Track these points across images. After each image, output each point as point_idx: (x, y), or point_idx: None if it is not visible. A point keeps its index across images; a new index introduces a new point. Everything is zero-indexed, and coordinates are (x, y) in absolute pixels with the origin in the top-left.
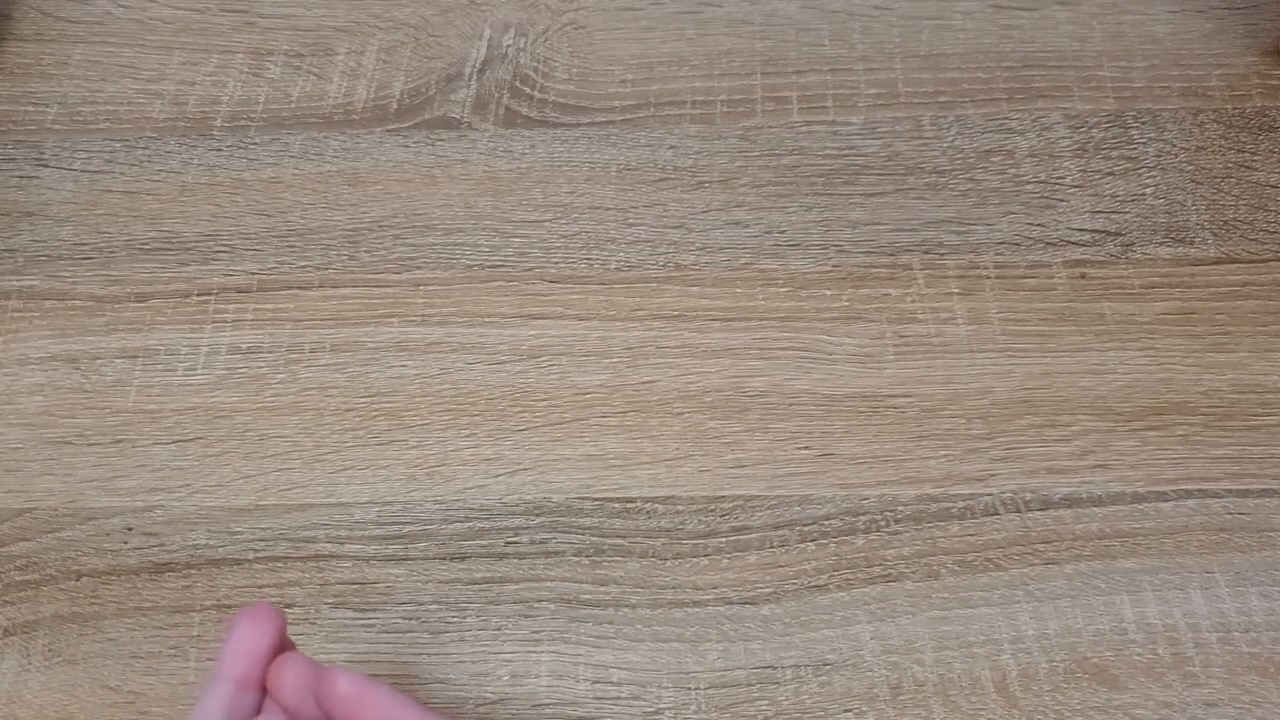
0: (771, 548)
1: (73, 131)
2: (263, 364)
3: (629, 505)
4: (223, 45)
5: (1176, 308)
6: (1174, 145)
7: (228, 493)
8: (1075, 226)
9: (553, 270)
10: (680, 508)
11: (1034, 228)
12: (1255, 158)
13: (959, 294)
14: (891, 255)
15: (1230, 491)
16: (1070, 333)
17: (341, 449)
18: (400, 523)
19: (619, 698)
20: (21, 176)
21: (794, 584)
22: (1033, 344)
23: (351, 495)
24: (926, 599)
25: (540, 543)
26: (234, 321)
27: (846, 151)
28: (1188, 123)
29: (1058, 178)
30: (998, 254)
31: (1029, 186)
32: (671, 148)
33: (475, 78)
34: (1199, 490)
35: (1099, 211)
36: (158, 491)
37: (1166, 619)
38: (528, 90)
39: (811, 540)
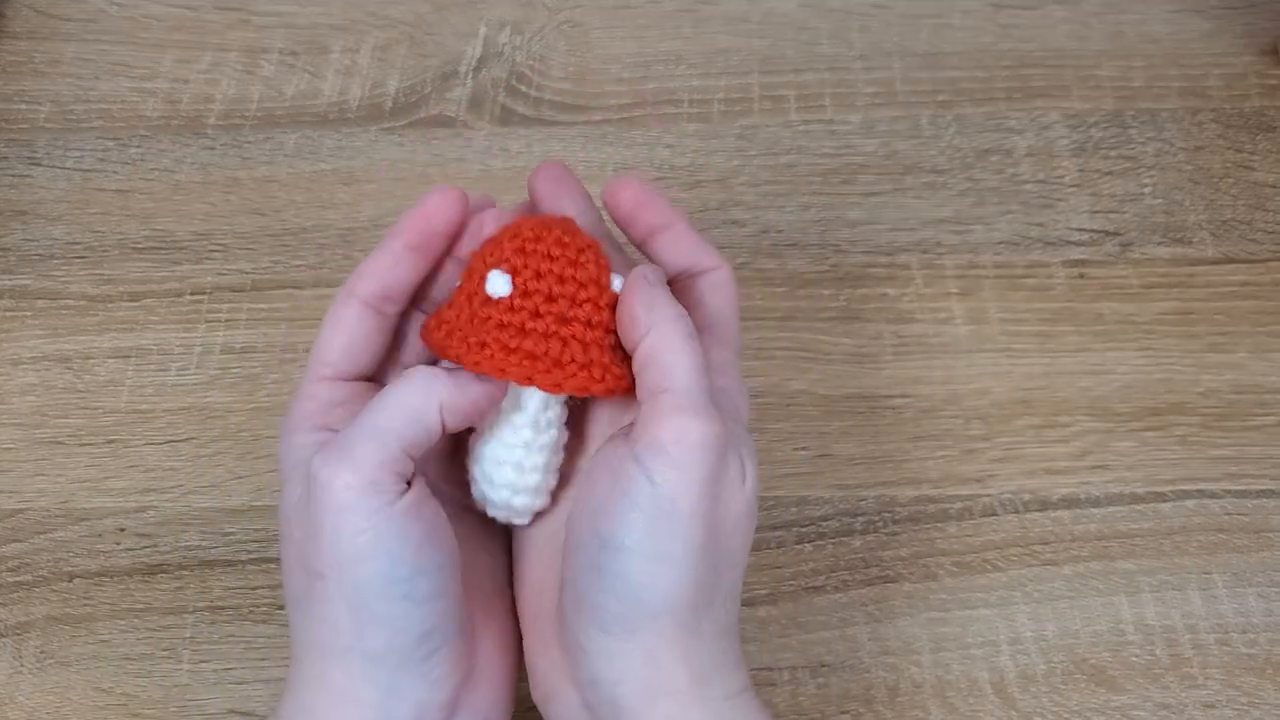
0: (768, 549)
1: (65, 130)
2: (256, 364)
3: None
4: (216, 43)
5: (1175, 308)
6: (1173, 145)
7: (221, 494)
8: (1074, 226)
9: None
10: None
11: (1033, 227)
12: (1254, 157)
13: (957, 294)
14: (889, 255)
15: (1229, 492)
16: (1069, 333)
17: None
18: None
19: None
20: (14, 175)
21: (791, 585)
22: (1031, 344)
23: None
24: (924, 600)
25: None
26: (227, 321)
27: (844, 150)
28: (1186, 122)
29: (1056, 177)
30: (996, 254)
31: (1028, 186)
32: (669, 146)
33: (471, 76)
34: (1197, 491)
35: (1098, 211)
36: (150, 492)
37: (1165, 620)
38: (524, 88)
39: (809, 541)
